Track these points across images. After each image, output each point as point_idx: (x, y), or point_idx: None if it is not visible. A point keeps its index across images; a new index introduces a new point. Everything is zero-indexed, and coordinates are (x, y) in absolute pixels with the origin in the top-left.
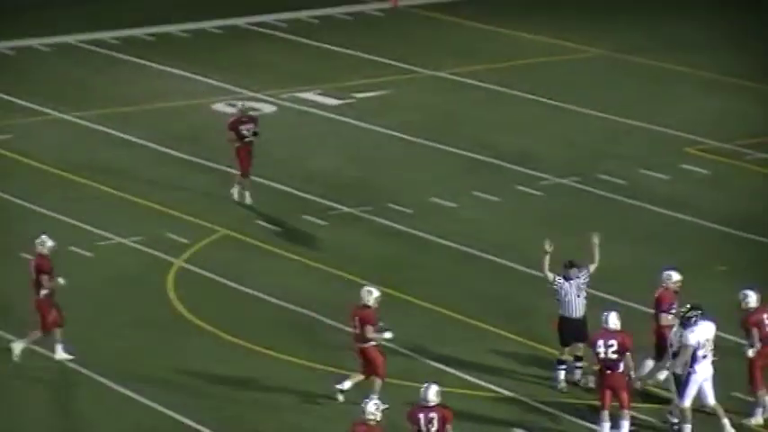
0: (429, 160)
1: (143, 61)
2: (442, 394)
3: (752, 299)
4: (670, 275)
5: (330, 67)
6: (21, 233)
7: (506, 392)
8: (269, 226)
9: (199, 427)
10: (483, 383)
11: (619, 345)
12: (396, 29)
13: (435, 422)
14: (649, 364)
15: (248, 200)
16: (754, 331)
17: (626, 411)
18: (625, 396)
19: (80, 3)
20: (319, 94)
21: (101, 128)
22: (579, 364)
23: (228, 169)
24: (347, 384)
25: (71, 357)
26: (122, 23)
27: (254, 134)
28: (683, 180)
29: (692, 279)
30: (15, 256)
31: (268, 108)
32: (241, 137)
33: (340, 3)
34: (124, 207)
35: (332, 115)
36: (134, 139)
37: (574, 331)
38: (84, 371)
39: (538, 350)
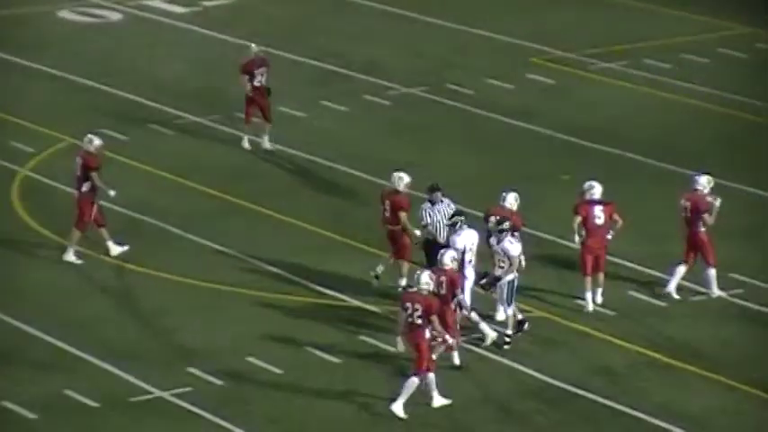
0: (277, 70)
1: None
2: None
3: (597, 191)
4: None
5: None
6: None
7: (357, 303)
8: (116, 135)
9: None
10: (333, 293)
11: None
12: None
13: (419, 307)
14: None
15: (267, 145)
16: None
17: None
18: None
19: None
20: (167, 1)
21: None
22: None
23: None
24: (380, 268)
25: (126, 248)
26: None
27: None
28: (528, 90)
29: (537, 188)
30: None
31: (114, 16)
32: (254, 82)
33: None
34: None
35: (179, 23)
36: None
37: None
38: None
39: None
